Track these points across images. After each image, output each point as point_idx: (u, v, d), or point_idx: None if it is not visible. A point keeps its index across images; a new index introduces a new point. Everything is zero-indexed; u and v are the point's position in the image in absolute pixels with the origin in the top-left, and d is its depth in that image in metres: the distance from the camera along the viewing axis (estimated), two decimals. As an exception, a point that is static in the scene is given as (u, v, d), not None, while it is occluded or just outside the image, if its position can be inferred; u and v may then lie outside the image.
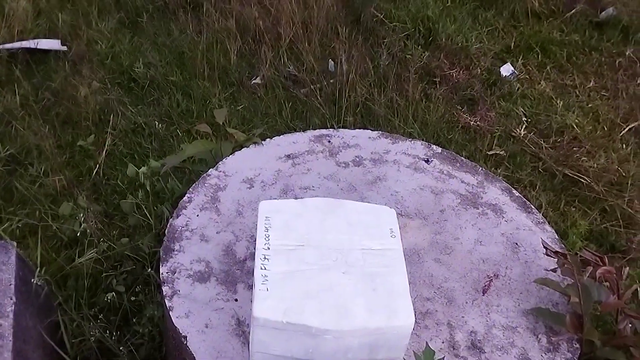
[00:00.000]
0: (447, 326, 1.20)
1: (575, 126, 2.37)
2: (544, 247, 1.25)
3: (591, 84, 2.65)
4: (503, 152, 2.27)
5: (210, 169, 1.52)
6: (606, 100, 2.56)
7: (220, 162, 1.54)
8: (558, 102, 2.51)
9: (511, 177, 2.13)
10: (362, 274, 1.06)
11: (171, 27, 2.70)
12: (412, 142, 1.68)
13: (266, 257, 1.07)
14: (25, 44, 2.40)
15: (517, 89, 2.59)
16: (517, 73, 2.68)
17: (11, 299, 1.25)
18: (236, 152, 1.58)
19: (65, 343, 1.29)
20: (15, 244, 1.36)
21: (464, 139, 2.32)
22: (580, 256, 1.22)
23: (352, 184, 1.51)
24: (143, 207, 1.68)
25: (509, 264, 1.34)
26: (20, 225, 1.72)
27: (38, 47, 2.39)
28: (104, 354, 1.39)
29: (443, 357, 0.94)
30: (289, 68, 2.53)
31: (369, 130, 1.71)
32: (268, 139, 1.64)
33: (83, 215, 1.54)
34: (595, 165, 2.19)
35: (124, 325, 1.44)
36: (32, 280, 1.31)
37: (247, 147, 1.61)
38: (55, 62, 2.38)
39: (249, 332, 1.10)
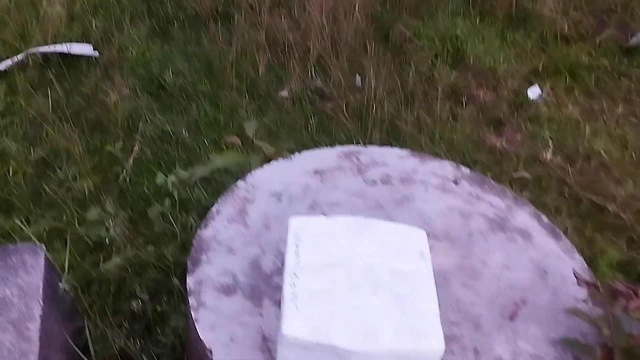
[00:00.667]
0: (473, 352, 1.19)
1: (602, 152, 2.35)
2: (575, 276, 1.23)
3: (620, 109, 2.63)
4: (528, 175, 2.25)
5: (239, 181, 1.52)
6: (635, 126, 2.54)
7: (248, 175, 1.54)
8: (585, 127, 2.49)
9: (536, 201, 2.10)
10: (391, 295, 1.05)
11: (201, 36, 2.73)
12: (441, 162, 1.67)
13: (296, 274, 1.06)
14: (58, 48, 2.43)
15: (544, 112, 2.57)
16: (544, 96, 2.67)
17: (39, 303, 1.26)
18: (264, 166, 1.59)
19: (90, 349, 1.29)
20: (44, 247, 1.38)
21: (489, 160, 2.31)
22: (612, 287, 1.20)
23: (380, 202, 1.50)
24: (169, 215, 1.69)
25: (537, 291, 1.32)
26: (47, 228, 1.73)
27: (70, 51, 2.42)
28: (126, 361, 1.39)
29: (472, 385, 0.93)
30: (317, 82, 2.54)
31: (397, 149, 1.71)
32: (297, 153, 1.64)
33: (110, 221, 1.55)
34: (622, 193, 2.16)
35: (147, 334, 1.44)
36: (60, 284, 1.32)
37: (275, 160, 1.62)
38: (87, 67, 2.41)
39: (274, 349, 1.10)
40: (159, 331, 1.42)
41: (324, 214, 1.41)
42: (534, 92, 2.69)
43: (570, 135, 2.46)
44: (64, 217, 1.76)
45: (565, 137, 2.45)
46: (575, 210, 2.12)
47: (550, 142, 2.42)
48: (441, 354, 0.99)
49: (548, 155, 2.35)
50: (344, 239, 1.14)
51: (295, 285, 1.04)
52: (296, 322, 0.99)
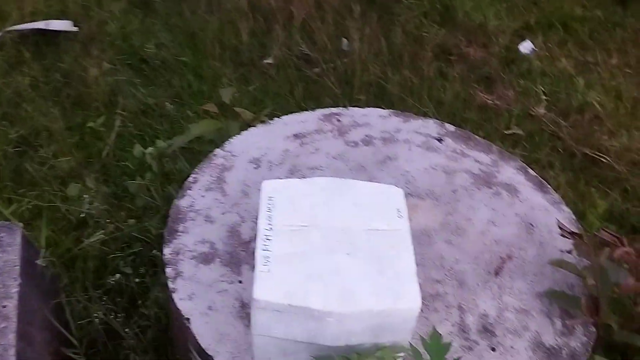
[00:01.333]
0: (457, 309, 1.17)
1: (596, 104, 2.29)
2: (559, 227, 1.20)
3: (614, 61, 2.56)
4: (521, 131, 2.20)
5: (217, 149, 1.49)
6: (629, 77, 2.47)
7: (226, 142, 1.51)
8: (579, 80, 2.43)
9: (529, 157, 2.06)
10: (368, 255, 1.02)
11: (182, 7, 2.66)
12: (425, 120, 1.63)
13: (268, 237, 1.03)
14: (36, 24, 2.38)
15: (537, 67, 2.51)
16: (536, 50, 2.60)
17: (16, 280, 1.24)
18: (243, 132, 1.55)
19: (70, 325, 1.27)
20: (21, 225, 1.35)
21: (480, 118, 2.26)
22: (598, 237, 1.17)
23: (362, 163, 1.47)
24: (152, 188, 1.66)
25: (522, 245, 1.29)
26: (30, 207, 1.71)
27: (49, 28, 2.37)
28: (111, 336, 1.38)
29: (450, 342, 0.90)
30: (302, 47, 2.48)
31: (379, 109, 1.67)
32: (276, 118, 1.60)
33: (90, 197, 1.52)
34: (616, 145, 2.11)
35: (131, 308, 1.43)
36: (37, 261, 1.30)
37: (254, 126, 1.58)
38: (66, 43, 2.36)
39: (252, 315, 1.08)
40: (142, 304, 1.40)
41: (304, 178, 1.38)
42: (525, 47, 2.63)
43: (564, 89, 2.40)
44: (46, 195, 1.73)
45: (558, 91, 2.39)
46: (569, 165, 2.08)
47: (543, 96, 2.36)
48: (417, 312, 0.97)
49: (541, 110, 2.30)
50: (318, 201, 1.11)
51: (268, 249, 1.02)
52: (269, 285, 0.96)
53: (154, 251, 1.44)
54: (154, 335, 1.38)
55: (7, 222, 1.35)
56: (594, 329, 1.14)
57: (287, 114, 1.63)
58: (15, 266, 1.27)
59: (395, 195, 1.15)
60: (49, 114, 2.01)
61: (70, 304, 1.32)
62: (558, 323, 1.15)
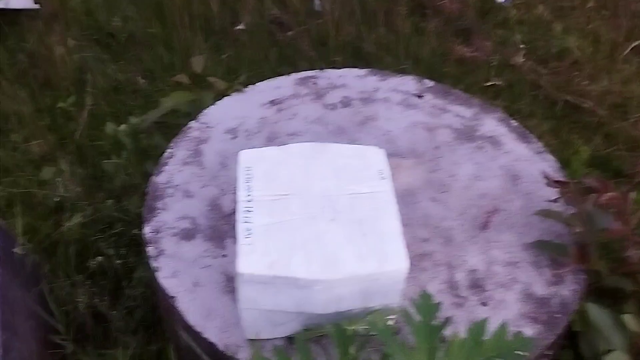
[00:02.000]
0: (446, 267, 1.15)
1: (575, 49, 2.26)
2: (545, 177, 1.18)
3: (590, 3, 2.52)
4: (501, 82, 2.17)
5: (191, 121, 1.45)
6: (606, 20, 2.44)
7: (201, 113, 1.47)
8: (557, 25, 2.40)
9: (510, 108, 2.04)
10: (351, 220, 1.00)
11: (146, -23, 2.57)
12: (403, 77, 1.59)
13: (248, 209, 1.01)
14: (-5, 5, 2.29)
15: (514, 15, 2.47)
16: (512, -2, 2.55)
17: (-6, 270, 1.21)
18: (217, 102, 1.51)
19: (54, 311, 1.25)
20: (-5, 214, 1.32)
21: (459, 71, 2.22)
22: (583, 183, 1.16)
23: (341, 126, 1.44)
24: (129, 167, 1.62)
25: (508, 198, 1.28)
26: (5, 194, 1.66)
27: (9, 7, 2.28)
28: (98, 320, 1.35)
29: (439, 302, 0.89)
30: (273, 11, 2.41)
31: (356, 69, 1.63)
32: (250, 86, 1.56)
33: (65, 180, 1.48)
34: (597, 89, 2.09)
35: (117, 290, 1.40)
36: (14, 250, 1.27)
37: (229, 95, 1.54)
38: (28, 22, 2.27)
39: (238, 288, 1.06)
40: (128, 284, 1.38)
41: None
42: (501, -5, 2.57)
43: (542, 36, 2.36)
44: (21, 181, 1.68)
45: (536, 38, 2.36)
46: (551, 113, 2.06)
47: (521, 45, 2.32)
48: (405, 273, 0.95)
49: (520, 59, 2.26)
50: (297, 168, 1.08)
51: (249, 221, 0.99)
52: (252, 258, 0.94)
53: (135, 230, 1.41)
54: (142, 315, 1.36)
55: (-19, 212, 1.31)
56: (584, 276, 1.14)
57: (262, 81, 1.58)
58: (-7, 256, 1.25)
59: (376, 156, 1.12)
60: (16, 97, 1.94)
61: (54, 291, 1.29)
62: (547, 273, 1.15)
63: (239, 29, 2.36)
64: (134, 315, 1.34)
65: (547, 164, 1.35)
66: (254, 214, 1.00)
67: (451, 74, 2.19)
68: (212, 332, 1.04)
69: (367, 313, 0.97)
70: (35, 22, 2.28)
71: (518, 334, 0.85)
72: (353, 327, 0.95)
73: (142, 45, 2.26)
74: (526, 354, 0.82)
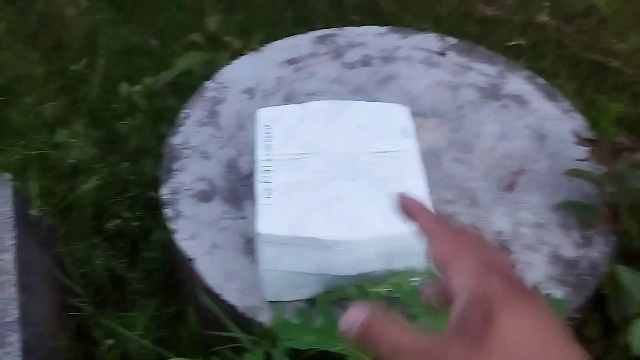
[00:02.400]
0: (471, 228, 1.12)
1: (602, 6, 2.17)
2: (574, 134, 1.14)
3: (619, -42, 2.42)
4: (524, 41, 2.10)
5: (207, 82, 1.41)
6: (636, -25, 2.34)
7: (216, 73, 1.43)
8: (583, -19, 2.30)
9: (533, 68, 1.97)
10: (374, 179, 0.97)
11: None
12: (424, 35, 1.54)
13: (268, 168, 0.98)
14: (5, -34, 2.24)
15: (538, -29, 2.37)
16: (536, -46, 2.45)
17: (11, 232, 1.19)
18: (233, 61, 1.47)
19: (72, 274, 1.24)
20: (10, 176, 1.29)
21: (480, 31, 2.15)
22: (615, 142, 1.11)
23: (361, 85, 1.39)
24: (142, 128, 1.59)
25: (535, 158, 1.23)
26: (20, 158, 1.64)
27: (19, -31, 2.23)
28: (116, 282, 1.34)
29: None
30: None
31: (376, 27, 1.57)
32: (267, 45, 1.51)
33: (78, 142, 1.46)
34: (625, 47, 2.02)
35: (134, 252, 1.39)
36: (30, 212, 1.25)
37: (245, 55, 1.49)
38: (39, -16, 2.23)
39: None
40: (145, 247, 1.36)
41: (300, 104, 1.31)
42: (524, -49, 2.48)
43: (567, -6, 2.28)
44: (35, 144, 1.66)
45: (561, -4, 2.27)
46: (576, 72, 1.99)
47: (545, 3, 2.24)
48: (431, 233, 0.92)
49: (544, 18, 2.18)
50: (318, 126, 1.04)
51: (269, 180, 0.96)
52: (272, 218, 0.91)
53: (152, 193, 1.38)
54: (159, 277, 1.34)
55: (-4, 174, 1.29)
56: (614, 238, 1.10)
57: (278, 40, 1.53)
58: (8, 218, 1.23)
59: (399, 114, 1.08)
60: (28, 60, 1.91)
61: (71, 253, 1.28)
62: (576, 234, 1.11)
63: (253, -12, 2.29)
64: (152, 277, 1.33)
65: (576, 123, 1.30)
66: (274, 174, 0.97)
67: (472, 33, 2.12)
68: (231, 294, 1.03)
69: (390, 275, 0.95)
70: (45, -18, 2.23)
71: (550, 296, 0.82)
72: (376, 290, 0.92)
73: (154, 6, 2.21)
74: (559, 315, 0.79)
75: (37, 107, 1.78)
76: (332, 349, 0.83)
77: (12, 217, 1.23)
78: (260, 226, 0.90)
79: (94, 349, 1.24)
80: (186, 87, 1.72)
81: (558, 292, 1.02)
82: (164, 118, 1.63)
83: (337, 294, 0.95)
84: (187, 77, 1.64)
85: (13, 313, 1.09)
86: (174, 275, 1.35)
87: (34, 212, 1.25)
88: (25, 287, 1.15)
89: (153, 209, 1.45)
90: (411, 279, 0.95)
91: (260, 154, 1.00)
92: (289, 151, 1.00)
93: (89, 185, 1.43)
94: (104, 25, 2.09)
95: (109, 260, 1.30)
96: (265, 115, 1.06)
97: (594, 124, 1.56)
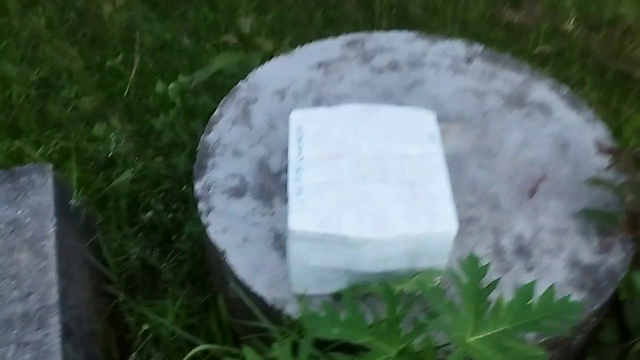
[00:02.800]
0: (492, 232, 1.16)
1: (629, 16, 2.19)
2: (596, 143, 1.17)
3: (648, -32, 2.43)
4: (550, 49, 2.13)
5: (240, 82, 1.46)
6: (664, -14, 2.35)
7: (249, 74, 1.48)
8: (610, -9, 2.32)
9: (558, 76, 2.00)
10: (401, 181, 1.01)
11: None
12: (452, 42, 1.57)
13: (300, 168, 1.03)
14: (45, -37, 2.32)
15: (566, -20, 2.39)
16: (565, -38, 2.47)
17: (52, 220, 1.26)
18: (265, 63, 1.52)
19: (108, 262, 1.30)
20: (51, 166, 1.36)
21: (507, 37, 2.18)
22: (636, 152, 1.14)
23: (388, 89, 1.43)
24: (176, 124, 1.65)
25: (557, 166, 1.27)
26: (58, 149, 1.72)
27: (59, -34, 2.31)
28: (147, 272, 1.40)
29: (488, 264, 0.90)
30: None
31: (404, 32, 1.61)
32: (298, 48, 1.56)
33: (115, 135, 1.52)
34: (651, 58, 2.03)
35: (166, 243, 1.45)
36: (70, 201, 1.32)
37: (276, 57, 1.54)
38: (77, -19, 2.30)
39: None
40: (177, 238, 1.42)
41: (330, 106, 1.35)
42: (553, -41, 2.49)
43: (594, 2, 2.29)
44: (72, 136, 1.73)
45: (588, 4, 2.29)
46: (601, 82, 2.01)
47: (572, 11, 2.26)
48: (454, 235, 0.96)
49: (570, 26, 2.21)
50: (348, 128, 1.09)
51: (300, 179, 1.01)
52: (303, 215, 0.96)
53: (185, 187, 1.44)
54: (189, 269, 1.40)
55: (38, 164, 1.36)
56: (632, 245, 1.13)
57: (307, 43, 1.58)
58: (49, 207, 1.29)
59: (426, 119, 1.12)
60: (67, 54, 1.99)
61: (107, 242, 1.34)
62: (595, 241, 1.14)
63: (284, -10, 2.34)
64: (183, 268, 1.39)
65: (598, 133, 1.33)
66: (305, 173, 1.02)
67: (498, 39, 2.15)
68: (261, 286, 1.08)
69: (414, 274, 0.99)
70: (84, -20, 2.31)
71: (566, 298, 0.85)
72: (400, 287, 0.97)
73: (187, 4, 2.27)
74: (575, 317, 0.83)
75: (75, 100, 1.85)
76: (357, 341, 0.88)
77: (52, 205, 1.29)
78: (292, 223, 0.95)
79: (125, 334, 1.30)
80: (218, 86, 1.79)
81: (576, 297, 1.06)
82: (197, 115, 1.70)
83: (362, 289, 1.00)
84: (220, 76, 1.69)
85: (54, 296, 1.15)
86: (203, 267, 1.41)
87: (73, 201, 1.31)
88: (64, 273, 1.22)
89: (185, 202, 1.52)
90: (434, 278, 0.99)
91: (293, 154, 1.05)
92: (320, 152, 1.05)
93: (124, 177, 1.50)
94: (139, 22, 2.16)
95: (142, 251, 1.36)
96: (298, 117, 1.11)
97: (616, 133, 1.58)
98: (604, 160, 1.20)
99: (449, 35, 2.00)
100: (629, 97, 1.94)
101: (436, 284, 1.00)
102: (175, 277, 1.36)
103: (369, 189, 1.00)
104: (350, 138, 1.07)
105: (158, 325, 1.19)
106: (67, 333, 1.13)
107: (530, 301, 0.87)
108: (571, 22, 2.22)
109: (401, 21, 2.19)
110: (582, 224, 1.16)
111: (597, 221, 1.15)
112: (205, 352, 1.14)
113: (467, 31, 2.15)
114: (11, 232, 1.24)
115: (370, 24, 2.17)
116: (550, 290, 0.87)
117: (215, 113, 1.39)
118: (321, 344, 0.93)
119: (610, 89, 1.98)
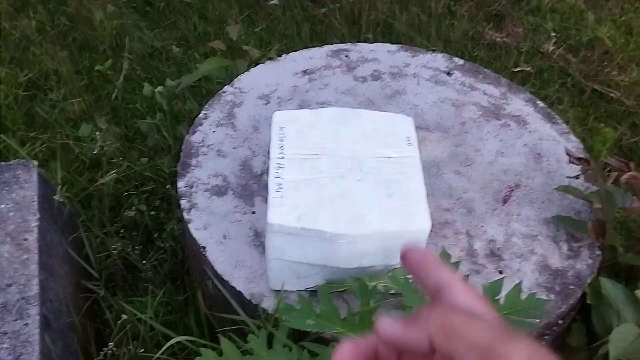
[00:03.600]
0: (465, 235, 1.19)
1: (606, 40, 2.26)
2: (567, 153, 1.21)
3: (625, -5, 2.51)
4: (530, 68, 2.19)
5: (226, 86, 1.50)
6: (640, 12, 2.44)
7: (235, 79, 1.51)
8: (589, 15, 2.39)
9: (538, 94, 2.05)
10: (377, 181, 1.04)
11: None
12: (433, 55, 1.62)
13: (280, 165, 1.06)
14: (38, -31, 2.35)
15: (546, 3, 2.47)
16: (546, -14, 2.55)
17: (35, 215, 1.27)
18: (251, 69, 1.55)
19: (90, 258, 1.32)
20: (36, 163, 1.38)
21: (489, 56, 2.24)
22: (605, 162, 1.18)
23: (370, 98, 1.47)
24: (162, 128, 1.68)
25: (530, 174, 1.31)
26: (43, 149, 1.73)
27: (51, -28, 2.34)
28: (128, 269, 1.42)
29: (459, 262, 0.93)
30: (307, -13, 2.44)
31: (388, 44, 1.66)
32: (284, 55, 1.60)
33: (101, 135, 1.54)
34: (626, 79, 2.10)
35: (147, 242, 1.46)
36: (54, 197, 1.33)
37: (262, 63, 1.58)
38: (69, -13, 2.34)
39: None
40: (158, 237, 1.44)
41: (313, 112, 1.39)
42: (535, -17, 2.57)
43: (574, 25, 2.37)
44: (58, 137, 1.75)
45: (568, 27, 2.36)
46: (578, 100, 2.07)
47: (552, 33, 2.33)
48: (427, 233, 1.00)
49: (550, 47, 2.27)
50: (328, 130, 1.13)
51: (280, 176, 1.04)
52: (282, 210, 0.99)
53: (168, 186, 1.47)
54: (170, 267, 1.42)
55: (23, 160, 1.38)
56: (600, 252, 1.17)
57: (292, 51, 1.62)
58: (33, 201, 1.31)
59: (404, 124, 1.16)
60: (56, 58, 2.01)
61: (88, 239, 1.36)
62: (564, 247, 1.18)
63: (273, 3, 2.40)
64: (163, 267, 1.40)
65: (571, 145, 1.38)
66: (285, 171, 1.05)
67: (481, 57, 2.21)
68: (239, 282, 1.10)
69: (388, 271, 1.02)
70: (76, -14, 2.34)
71: (532, 295, 0.89)
72: (374, 283, 1.00)
73: (177, 14, 2.31)
74: (540, 313, 0.86)
75: (62, 102, 1.87)
76: (330, 332, 0.90)
77: (36, 201, 1.31)
78: (270, 216, 0.98)
79: (104, 330, 1.31)
80: (203, 92, 1.82)
81: (544, 298, 1.09)
82: (182, 119, 1.72)
83: (338, 285, 1.03)
84: (206, 82, 1.73)
85: (34, 288, 1.16)
86: (183, 266, 1.43)
87: (57, 197, 1.33)
88: (45, 266, 1.23)
89: (167, 203, 1.54)
90: (407, 275, 1.02)
91: (274, 152, 1.08)
92: (300, 151, 1.08)
93: (108, 177, 1.52)
94: (129, 29, 2.20)
95: (124, 248, 1.38)
96: (281, 118, 1.15)
97: (590, 149, 1.63)
98: (575, 170, 1.25)
99: (434, 51, 2.05)
100: (604, 116, 2.01)
101: (409, 280, 1.03)
102: (156, 275, 1.38)
103: (347, 187, 1.03)
104: (330, 139, 1.11)
105: (137, 320, 1.20)
106: (46, 324, 1.14)
107: (498, 297, 0.90)
108: (551, 44, 2.28)
109: (386, 36, 2.24)
110: (552, 230, 1.20)
111: (567, 227, 1.19)
112: (183, 349, 1.15)
113: (451, 48, 2.21)
114: (-6, 224, 1.25)
115: (356, 39, 2.22)
116: (517, 287, 0.90)
117: (200, 115, 1.42)
118: (296, 339, 0.96)
119: (587, 107, 2.04)
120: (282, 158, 1.07)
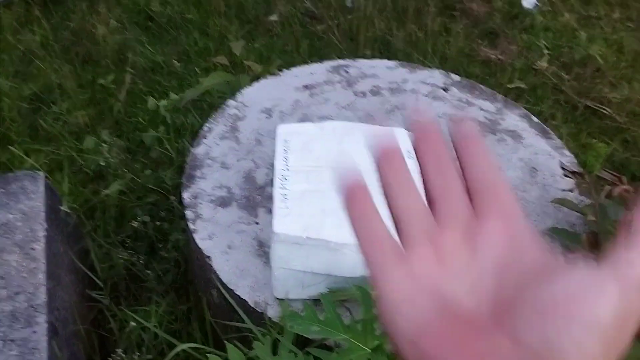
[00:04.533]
0: (464, 246, 1.22)
1: (598, 57, 2.32)
2: (562, 167, 1.25)
3: (616, 14, 2.58)
4: (524, 85, 2.24)
5: (229, 100, 1.53)
6: (631, 31, 2.50)
7: (238, 93, 1.55)
8: (582, 33, 2.46)
9: (531, 110, 2.10)
10: (379, 192, 1.07)
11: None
12: (431, 71, 1.67)
13: (285, 177, 1.09)
14: (42, -16, 2.39)
15: (540, 22, 2.53)
16: (539, 5, 2.62)
17: (42, 225, 1.30)
18: (254, 84, 1.59)
19: (96, 267, 1.34)
20: (43, 174, 1.40)
21: (484, 72, 2.29)
22: (599, 176, 1.22)
23: (370, 113, 1.51)
24: (165, 141, 1.71)
25: (526, 188, 1.35)
26: (47, 162, 1.76)
27: (55, -13, 2.38)
28: (132, 279, 1.44)
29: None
30: (306, 4, 2.50)
31: (386, 60, 1.71)
32: (285, 70, 1.64)
33: (107, 147, 1.57)
34: (618, 96, 2.15)
35: (151, 254, 1.49)
36: (60, 207, 1.36)
37: (265, 78, 1.62)
38: (73, 2, 2.38)
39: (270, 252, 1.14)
40: (162, 247, 1.46)
41: (314, 126, 1.43)
42: (529, 1, 2.64)
43: (566, 43, 2.43)
44: (63, 149, 1.78)
45: (561, 45, 2.42)
46: (571, 117, 2.12)
47: (545, 51, 2.39)
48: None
49: (543, 64, 2.33)
50: (331, 143, 1.16)
51: (285, 187, 1.07)
52: (288, 220, 1.02)
53: (172, 197, 1.49)
54: (173, 277, 1.44)
55: (31, 171, 1.40)
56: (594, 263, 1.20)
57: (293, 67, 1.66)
58: (40, 212, 1.33)
59: (403, 137, 1.19)
60: (60, 72, 2.04)
61: (94, 249, 1.38)
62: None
63: (272, 19, 2.44)
64: (167, 277, 1.43)
65: (566, 159, 1.42)
66: (290, 182, 1.08)
67: (476, 74, 2.26)
68: (243, 290, 1.13)
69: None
70: (79, 2, 2.39)
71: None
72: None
73: (179, 30, 2.35)
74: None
75: (66, 115, 1.90)
76: (334, 339, 0.93)
77: (43, 211, 1.34)
78: (276, 226, 1.01)
79: (108, 339, 1.33)
80: (206, 106, 1.86)
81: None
82: (185, 133, 1.76)
83: (341, 294, 1.05)
84: (209, 96, 1.76)
85: (42, 297, 1.19)
86: (186, 276, 1.46)
87: (64, 208, 1.35)
88: (52, 275, 1.25)
89: (171, 214, 1.57)
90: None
91: (279, 164, 1.11)
92: (304, 162, 1.12)
93: (112, 189, 1.54)
94: (131, 44, 2.24)
95: (128, 258, 1.40)
96: (285, 131, 1.18)
97: (583, 164, 1.68)
98: (570, 184, 1.29)
99: (429, 67, 2.10)
100: (597, 132, 2.05)
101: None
102: (160, 285, 1.41)
103: (350, 198, 1.06)
104: (332, 151, 1.14)
105: (141, 328, 1.23)
106: (53, 332, 1.16)
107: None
108: (545, 61, 2.34)
109: (384, 53, 2.29)
110: (547, 242, 1.24)
111: (561, 239, 1.22)
112: (187, 358, 1.18)
113: (447, 65, 2.26)
114: (2, 234, 1.28)
115: (354, 54, 2.27)
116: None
117: (204, 128, 1.45)
118: (300, 346, 0.98)
119: (579, 123, 2.09)
120: (287, 169, 1.10)
